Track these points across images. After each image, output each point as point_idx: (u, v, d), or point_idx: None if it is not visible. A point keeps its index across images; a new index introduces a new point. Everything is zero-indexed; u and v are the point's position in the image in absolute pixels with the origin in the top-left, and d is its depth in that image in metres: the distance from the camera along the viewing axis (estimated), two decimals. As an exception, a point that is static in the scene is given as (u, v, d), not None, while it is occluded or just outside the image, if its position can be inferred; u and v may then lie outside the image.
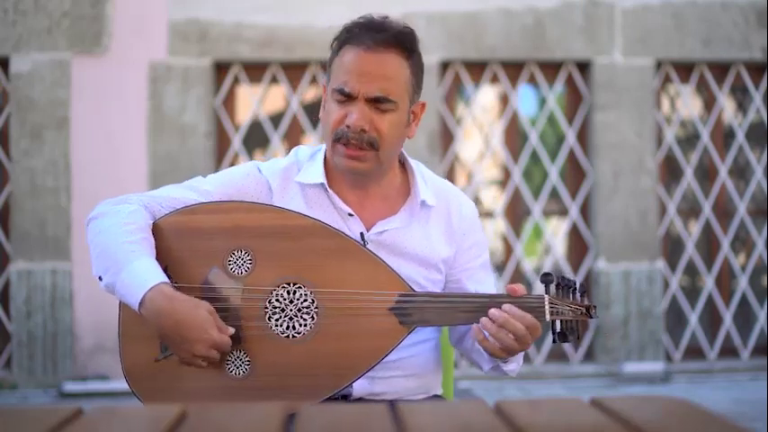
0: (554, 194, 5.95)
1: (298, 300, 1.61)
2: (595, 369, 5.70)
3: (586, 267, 5.86)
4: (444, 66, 5.85)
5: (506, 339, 1.56)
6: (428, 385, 1.78)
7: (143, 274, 1.54)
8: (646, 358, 5.71)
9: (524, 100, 6.18)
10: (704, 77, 6.03)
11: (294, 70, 5.81)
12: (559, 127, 6.01)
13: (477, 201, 6.16)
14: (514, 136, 5.99)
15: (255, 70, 5.81)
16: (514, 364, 1.73)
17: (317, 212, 1.69)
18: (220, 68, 5.79)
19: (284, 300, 1.61)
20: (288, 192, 1.73)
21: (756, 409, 4.47)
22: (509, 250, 5.91)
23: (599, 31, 5.79)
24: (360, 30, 1.66)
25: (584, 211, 5.93)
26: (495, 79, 5.94)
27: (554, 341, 1.65)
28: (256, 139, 6.06)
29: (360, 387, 1.68)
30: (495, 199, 6.19)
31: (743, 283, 5.98)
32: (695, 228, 6.09)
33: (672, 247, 6.09)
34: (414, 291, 1.63)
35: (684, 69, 6.02)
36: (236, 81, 5.85)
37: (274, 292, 1.61)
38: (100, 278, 1.61)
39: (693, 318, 5.92)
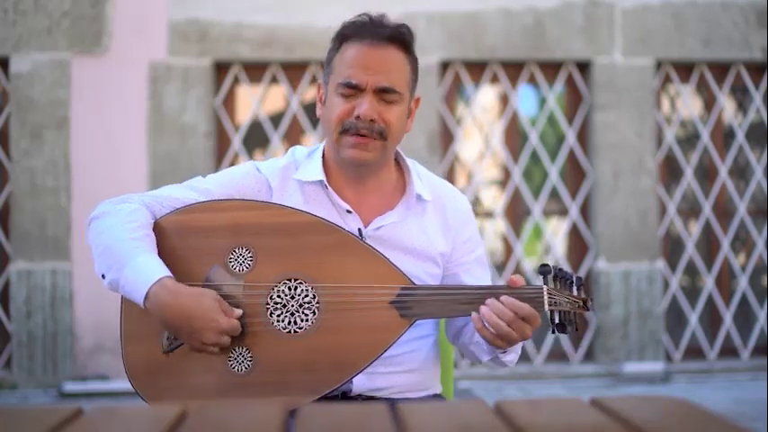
0: (554, 194, 5.95)
1: (299, 295, 1.62)
2: (595, 369, 5.70)
3: (586, 267, 5.86)
4: (444, 66, 5.85)
5: (505, 328, 1.58)
6: (427, 381, 1.80)
7: (147, 270, 1.56)
8: (646, 358, 5.71)
9: (524, 100, 6.19)
10: (704, 77, 6.03)
11: (294, 70, 5.81)
12: (559, 127, 6.01)
13: (477, 201, 6.16)
14: (514, 136, 5.99)
15: (255, 70, 5.81)
16: (512, 355, 1.74)
17: (316, 209, 1.71)
18: (220, 68, 5.79)
19: (285, 296, 1.63)
20: (287, 190, 1.75)
21: (756, 409, 4.47)
22: (509, 250, 5.91)
23: (599, 31, 5.80)
24: (360, 27, 1.71)
25: (584, 211, 5.93)
26: (495, 79, 5.94)
27: (552, 332, 1.67)
28: (256, 139, 6.07)
29: (359, 383, 1.70)
30: (495, 199, 6.18)
31: (743, 283, 5.98)
32: (695, 228, 6.09)
33: (672, 247, 6.10)
34: (414, 284, 1.65)
35: (684, 69, 6.02)
36: (236, 81, 5.85)
37: (276, 289, 1.63)
38: (103, 276, 1.62)
39: (693, 318, 5.92)
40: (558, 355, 5.88)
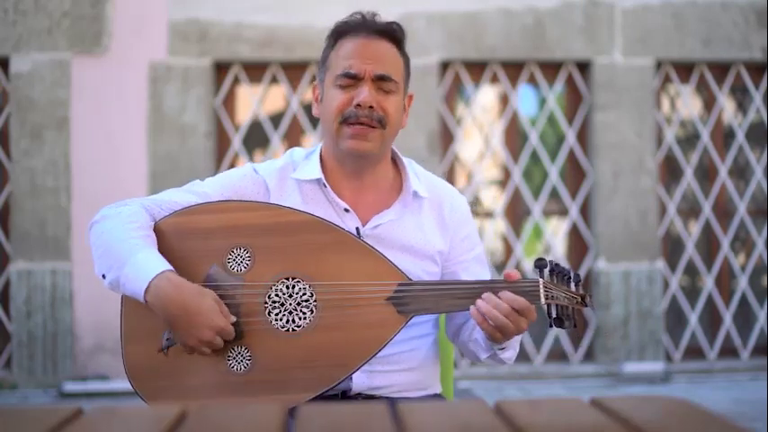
0: (554, 194, 5.95)
1: (297, 294, 1.63)
2: (595, 369, 5.70)
3: (586, 267, 5.86)
4: (444, 66, 5.85)
5: (501, 320, 1.58)
6: (426, 380, 1.81)
7: (148, 264, 1.58)
8: (646, 358, 5.71)
9: (524, 100, 6.19)
10: (704, 77, 6.03)
11: (294, 70, 5.81)
12: (559, 127, 6.02)
13: (477, 201, 6.16)
14: (514, 136, 5.99)
15: (255, 70, 5.81)
16: (510, 352, 1.75)
17: (314, 208, 1.73)
18: (220, 68, 5.79)
19: (283, 294, 1.63)
20: (285, 190, 1.77)
21: (756, 409, 4.47)
22: (509, 250, 5.91)
23: (599, 31, 5.80)
24: (354, 24, 1.76)
25: (584, 211, 5.93)
26: (495, 79, 5.94)
27: (550, 326, 1.68)
28: (256, 139, 6.07)
29: (359, 381, 1.70)
30: (495, 199, 6.18)
31: (743, 283, 5.98)
32: (695, 228, 6.09)
33: (672, 247, 6.10)
34: (410, 280, 1.66)
35: (684, 69, 6.02)
36: (236, 81, 5.85)
37: (274, 287, 1.63)
38: (104, 276, 1.64)
39: (693, 318, 5.92)
40: (558, 354, 5.88)
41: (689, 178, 5.99)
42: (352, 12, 1.78)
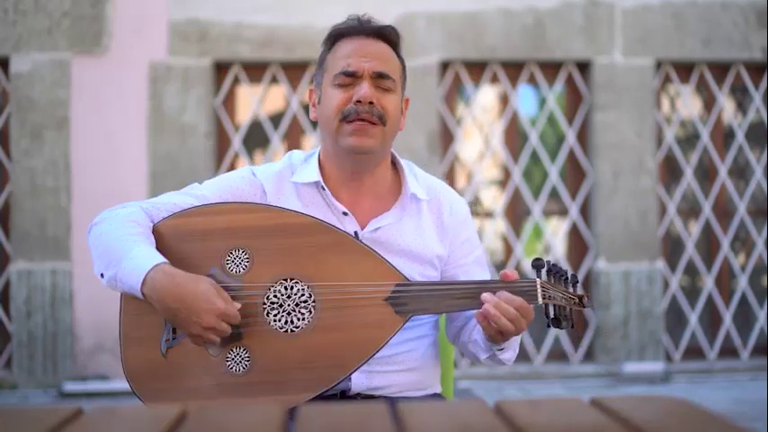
0: (554, 194, 5.95)
1: (295, 295, 1.63)
2: (595, 369, 5.70)
3: (586, 267, 5.86)
4: (444, 66, 5.85)
5: (500, 320, 1.59)
6: (426, 381, 1.81)
7: (143, 258, 1.58)
8: (646, 358, 5.71)
9: (524, 100, 6.18)
10: (704, 77, 6.03)
11: (294, 70, 5.81)
12: (559, 127, 6.01)
13: (477, 201, 6.16)
14: (514, 136, 5.99)
15: (255, 70, 5.81)
16: (510, 353, 1.75)
17: (312, 212, 1.73)
18: (220, 68, 5.79)
19: (282, 295, 1.63)
20: (283, 193, 1.77)
21: (756, 409, 4.47)
22: (509, 250, 5.91)
23: (599, 31, 5.80)
24: (350, 27, 1.77)
25: (584, 211, 5.93)
26: (495, 79, 5.94)
27: (548, 326, 1.68)
28: (256, 140, 6.07)
29: (358, 382, 1.70)
30: (495, 199, 6.18)
31: (743, 283, 5.98)
32: (695, 228, 6.09)
33: (672, 247, 6.10)
34: (408, 280, 1.66)
35: (684, 69, 6.02)
36: (236, 81, 5.85)
37: (272, 289, 1.64)
38: (102, 275, 1.64)
39: (693, 318, 5.92)
40: (558, 355, 5.88)
41: (689, 178, 5.99)
42: (350, 13, 1.79)
